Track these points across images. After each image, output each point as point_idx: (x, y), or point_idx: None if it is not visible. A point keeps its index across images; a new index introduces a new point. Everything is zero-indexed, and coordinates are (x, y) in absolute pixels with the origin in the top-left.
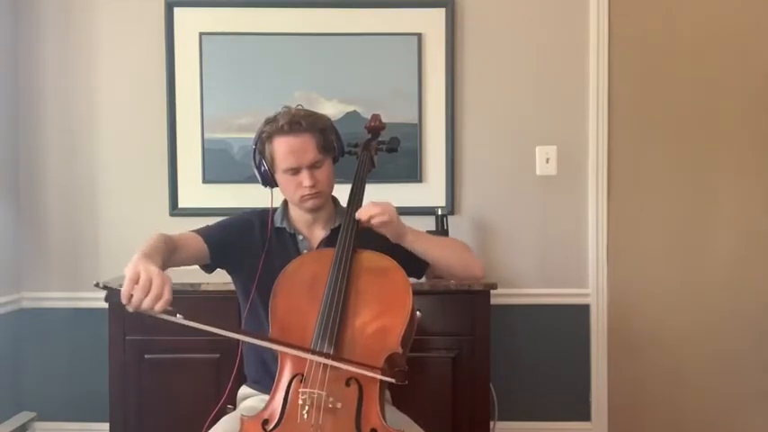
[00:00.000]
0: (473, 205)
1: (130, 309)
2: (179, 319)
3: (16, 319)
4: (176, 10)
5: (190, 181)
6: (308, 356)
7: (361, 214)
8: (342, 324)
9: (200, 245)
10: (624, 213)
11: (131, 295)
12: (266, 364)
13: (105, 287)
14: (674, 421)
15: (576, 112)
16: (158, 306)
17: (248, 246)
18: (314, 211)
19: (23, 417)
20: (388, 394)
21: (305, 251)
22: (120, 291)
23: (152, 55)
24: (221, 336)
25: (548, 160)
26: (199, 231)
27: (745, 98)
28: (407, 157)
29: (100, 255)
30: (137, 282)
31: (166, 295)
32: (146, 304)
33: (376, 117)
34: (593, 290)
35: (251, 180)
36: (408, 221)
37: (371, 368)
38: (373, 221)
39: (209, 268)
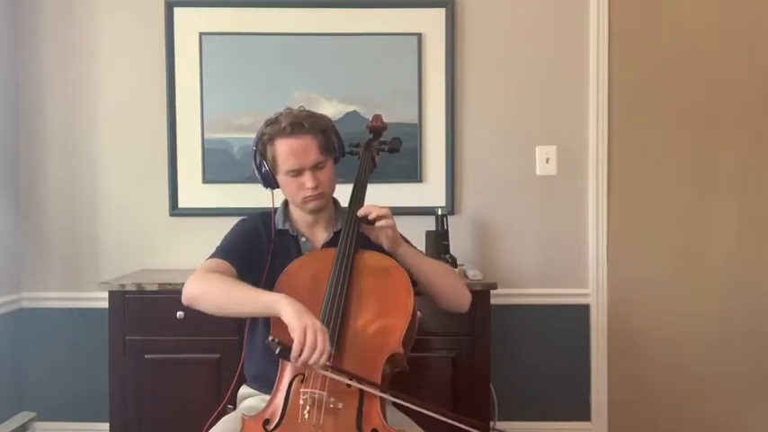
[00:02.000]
0: (473, 205)
1: (297, 365)
2: (341, 377)
3: (16, 319)
4: (176, 10)
5: (190, 181)
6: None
7: (368, 210)
8: (343, 324)
9: (230, 269)
10: (624, 213)
11: (301, 352)
12: (267, 365)
13: (280, 343)
14: (674, 421)
15: (576, 112)
16: (322, 360)
17: (258, 252)
18: (316, 212)
19: (23, 417)
20: None
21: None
22: (290, 347)
23: (152, 55)
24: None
25: (548, 160)
26: (221, 256)
27: (746, 98)
28: (407, 157)
29: (100, 255)
30: (305, 341)
31: (328, 349)
32: (312, 361)
33: (378, 117)
34: (593, 290)
35: (251, 180)
36: (408, 221)
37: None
38: (378, 224)
39: None
